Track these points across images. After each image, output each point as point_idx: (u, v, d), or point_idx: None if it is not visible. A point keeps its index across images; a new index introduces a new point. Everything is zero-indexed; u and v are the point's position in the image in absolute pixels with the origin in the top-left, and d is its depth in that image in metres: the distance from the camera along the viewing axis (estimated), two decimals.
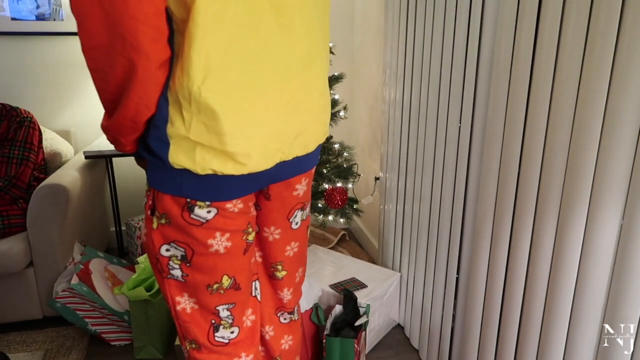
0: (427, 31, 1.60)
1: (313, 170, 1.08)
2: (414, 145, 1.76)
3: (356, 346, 1.58)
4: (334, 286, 1.83)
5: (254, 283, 1.08)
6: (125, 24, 0.73)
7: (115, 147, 0.91)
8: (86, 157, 2.12)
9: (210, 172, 0.83)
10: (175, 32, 0.80)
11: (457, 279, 1.53)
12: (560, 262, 1.03)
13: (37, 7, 2.28)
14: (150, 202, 0.91)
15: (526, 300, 1.16)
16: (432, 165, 1.63)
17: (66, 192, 1.82)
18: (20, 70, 2.37)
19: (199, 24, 0.75)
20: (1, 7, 2.25)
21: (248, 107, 0.83)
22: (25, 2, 2.27)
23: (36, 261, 1.85)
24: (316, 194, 2.19)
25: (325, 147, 2.21)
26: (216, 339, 1.00)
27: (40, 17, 2.30)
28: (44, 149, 2.13)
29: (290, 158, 0.94)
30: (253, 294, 1.07)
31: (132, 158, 2.48)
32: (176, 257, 0.92)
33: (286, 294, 1.16)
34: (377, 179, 2.31)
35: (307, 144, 0.97)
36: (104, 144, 2.27)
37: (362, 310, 1.68)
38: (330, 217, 2.32)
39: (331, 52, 2.03)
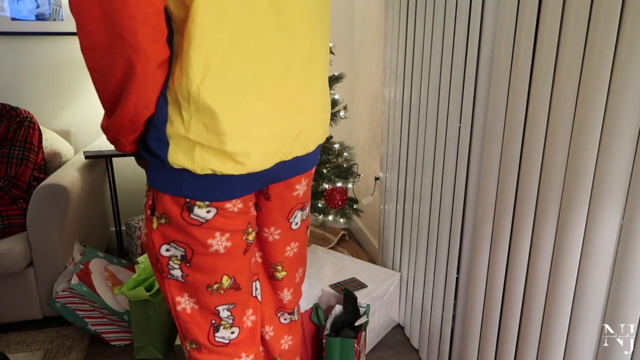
0: (427, 31, 1.60)
1: (313, 170, 1.08)
2: (414, 145, 1.76)
3: (356, 346, 1.58)
4: (334, 286, 1.83)
5: (254, 283, 1.08)
6: (124, 24, 0.73)
7: (115, 147, 0.92)
8: (86, 157, 2.12)
9: (209, 172, 0.83)
10: (175, 32, 0.80)
11: (457, 279, 1.53)
12: (560, 262, 1.03)
13: (37, 6, 2.28)
14: (150, 202, 0.91)
15: (526, 300, 1.16)
16: (432, 165, 1.63)
17: (66, 192, 1.82)
18: (20, 70, 2.37)
19: (198, 23, 0.75)
20: (1, 7, 2.25)
21: (247, 106, 0.83)
22: (25, 2, 2.27)
23: (36, 261, 1.85)
24: (316, 194, 2.19)
25: (325, 147, 2.21)
26: (216, 339, 1.00)
27: (40, 17, 2.30)
28: (43, 149, 2.13)
29: (290, 158, 0.94)
30: (253, 294, 1.07)
31: (132, 158, 2.48)
32: (176, 257, 0.92)
33: (286, 295, 1.16)
34: (377, 179, 2.31)
35: (307, 144, 0.96)
36: (104, 144, 2.27)
37: (362, 310, 1.68)
38: (330, 217, 2.32)
39: (331, 52, 2.03)
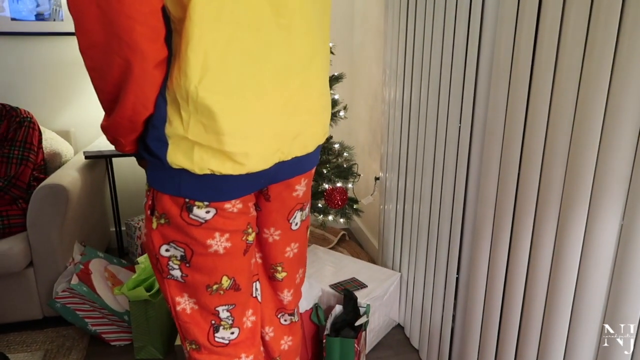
0: (427, 31, 1.60)
1: (313, 171, 1.08)
2: (414, 145, 1.76)
3: (356, 346, 1.57)
4: (334, 286, 1.83)
5: (254, 284, 1.08)
6: (121, 23, 0.73)
7: (115, 147, 0.92)
8: (86, 157, 2.12)
9: (208, 172, 0.83)
10: (173, 31, 0.80)
11: (457, 279, 1.53)
12: (560, 262, 1.03)
13: (37, 5, 2.28)
14: (150, 202, 0.91)
15: (526, 300, 1.16)
16: (432, 165, 1.63)
17: (66, 192, 1.82)
18: (20, 70, 2.37)
19: (195, 23, 0.75)
20: (1, 7, 2.25)
21: (246, 106, 0.83)
22: (25, 2, 2.27)
23: (36, 261, 1.85)
24: (316, 194, 2.19)
25: (325, 147, 2.21)
26: (216, 339, 1.00)
27: (40, 17, 2.30)
28: (43, 149, 2.13)
29: (290, 158, 0.94)
30: (253, 295, 1.07)
31: (132, 158, 2.48)
32: (176, 257, 0.92)
33: (286, 295, 1.16)
34: (377, 179, 2.30)
35: (306, 145, 0.96)
36: (103, 144, 2.27)
37: (362, 310, 1.68)
38: (330, 217, 2.32)
39: (331, 52, 2.03)
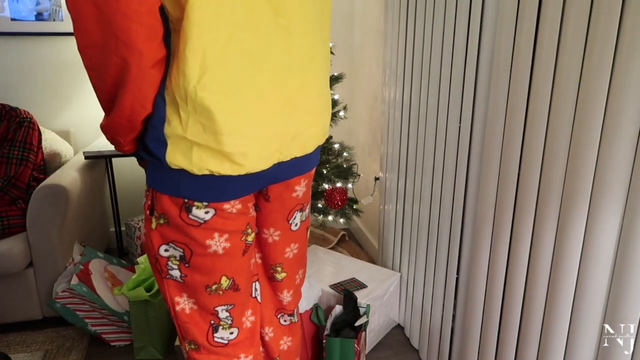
0: (427, 31, 1.60)
1: (313, 171, 1.07)
2: (414, 145, 1.76)
3: (356, 346, 1.57)
4: (334, 286, 1.83)
5: (254, 284, 1.07)
6: (118, 22, 0.73)
7: (114, 146, 0.92)
8: (86, 158, 2.12)
9: (206, 172, 0.83)
10: (172, 31, 0.80)
11: (457, 279, 1.52)
12: (560, 262, 1.03)
13: (38, 3, 2.28)
14: (149, 202, 0.91)
15: (526, 300, 1.16)
16: (432, 165, 1.63)
17: (66, 192, 1.82)
18: (19, 70, 2.37)
19: (194, 22, 0.75)
20: (1, 7, 2.25)
21: (245, 106, 0.83)
22: (25, 2, 2.27)
23: (36, 262, 1.85)
24: (316, 194, 2.19)
25: (325, 147, 2.21)
26: (215, 339, 1.00)
27: (39, 18, 2.30)
28: (43, 149, 2.13)
29: (289, 159, 0.94)
30: (253, 295, 1.07)
31: (132, 158, 2.48)
32: (175, 257, 0.92)
33: (286, 296, 1.16)
34: (377, 179, 2.30)
35: (305, 145, 0.96)
36: (103, 144, 2.27)
37: (362, 310, 1.67)
38: (330, 218, 2.32)
39: (331, 52, 2.03)
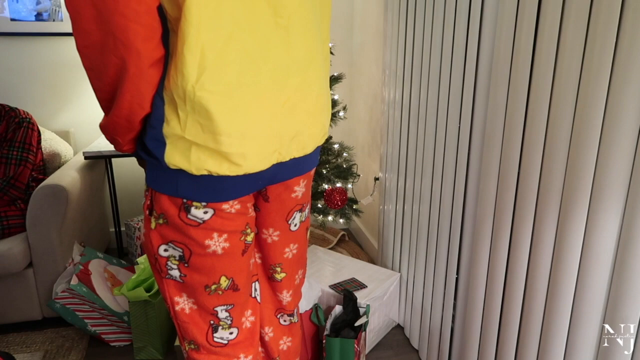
0: (427, 31, 1.60)
1: (312, 172, 1.07)
2: (413, 145, 1.76)
3: (356, 346, 1.57)
4: (333, 286, 1.83)
5: (254, 284, 1.07)
6: (116, 22, 0.73)
7: (113, 146, 0.92)
8: (86, 158, 2.11)
9: (205, 172, 0.83)
10: (170, 31, 0.80)
11: (457, 279, 1.52)
12: (560, 262, 1.03)
13: (37, 3, 2.28)
14: (148, 202, 0.91)
15: (526, 300, 1.16)
16: (431, 165, 1.62)
17: (65, 192, 1.81)
18: (19, 70, 2.37)
19: (192, 22, 0.75)
20: (1, 7, 2.25)
21: (244, 106, 0.83)
22: (25, 3, 2.27)
23: (36, 262, 1.85)
24: (316, 194, 2.19)
25: (325, 148, 2.20)
26: (215, 339, 1.00)
27: (39, 18, 2.30)
28: (42, 149, 2.13)
29: (287, 159, 0.94)
30: (253, 295, 1.07)
31: (132, 159, 2.49)
32: (174, 257, 0.92)
33: (285, 296, 1.16)
34: (376, 179, 2.30)
35: (304, 146, 0.96)
36: (103, 144, 2.27)
37: (362, 310, 1.67)
38: (330, 218, 2.32)
39: (331, 53, 2.03)
